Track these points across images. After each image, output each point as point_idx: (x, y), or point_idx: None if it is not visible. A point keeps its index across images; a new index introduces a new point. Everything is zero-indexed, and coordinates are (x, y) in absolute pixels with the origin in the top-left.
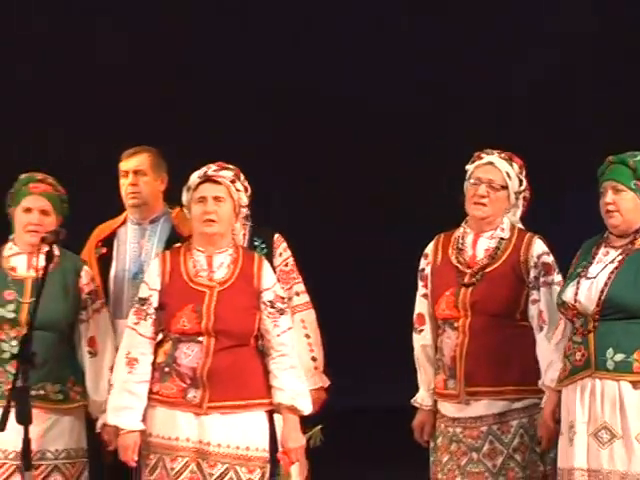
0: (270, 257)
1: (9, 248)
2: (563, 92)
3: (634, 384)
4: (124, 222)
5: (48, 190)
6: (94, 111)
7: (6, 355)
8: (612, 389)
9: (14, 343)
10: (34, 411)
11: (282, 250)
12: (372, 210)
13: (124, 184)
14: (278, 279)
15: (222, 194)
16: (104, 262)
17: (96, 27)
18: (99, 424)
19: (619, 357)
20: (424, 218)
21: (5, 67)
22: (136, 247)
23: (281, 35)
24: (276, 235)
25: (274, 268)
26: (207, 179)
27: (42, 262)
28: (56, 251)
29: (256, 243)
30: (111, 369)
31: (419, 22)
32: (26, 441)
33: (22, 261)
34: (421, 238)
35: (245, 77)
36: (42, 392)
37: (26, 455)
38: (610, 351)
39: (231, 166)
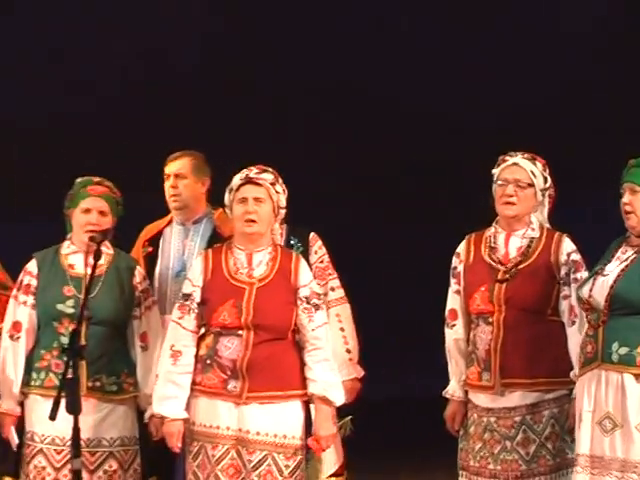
0: (306, 255)
1: (67, 247)
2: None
3: (636, 376)
4: (170, 222)
5: (105, 192)
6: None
7: (65, 348)
8: (616, 380)
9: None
10: (91, 401)
11: (317, 248)
12: (373, 210)
13: (167, 187)
14: (314, 275)
15: (262, 195)
16: (150, 260)
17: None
18: (147, 415)
19: (623, 350)
20: (426, 219)
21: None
22: (180, 246)
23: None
24: (311, 234)
25: (310, 265)
26: (248, 181)
27: (100, 260)
28: (110, 250)
29: (292, 242)
30: None
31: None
32: (75, 430)
33: (79, 259)
34: (424, 237)
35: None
36: (98, 384)
37: (75, 443)
38: (615, 345)
39: (270, 169)
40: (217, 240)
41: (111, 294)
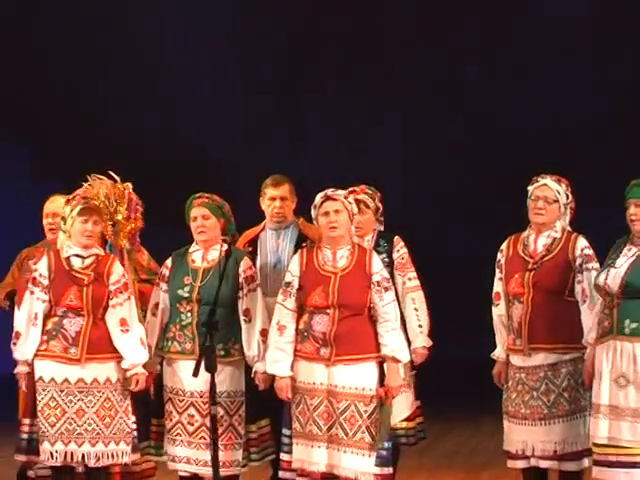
0: (390, 253)
1: (193, 246)
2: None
3: None
4: (264, 228)
5: (205, 201)
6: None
7: (184, 323)
8: (628, 348)
9: (189, 315)
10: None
11: (399, 248)
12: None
13: (271, 205)
14: (396, 268)
15: (339, 207)
16: (250, 257)
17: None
18: (253, 372)
19: (634, 325)
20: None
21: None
22: (274, 245)
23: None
24: (396, 237)
25: (393, 261)
26: (327, 198)
27: (214, 255)
28: (225, 247)
29: (380, 244)
30: (260, 332)
31: None
32: (212, 384)
33: (198, 255)
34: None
35: None
36: None
37: (213, 394)
38: (627, 321)
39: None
40: (302, 240)
41: (218, 281)
